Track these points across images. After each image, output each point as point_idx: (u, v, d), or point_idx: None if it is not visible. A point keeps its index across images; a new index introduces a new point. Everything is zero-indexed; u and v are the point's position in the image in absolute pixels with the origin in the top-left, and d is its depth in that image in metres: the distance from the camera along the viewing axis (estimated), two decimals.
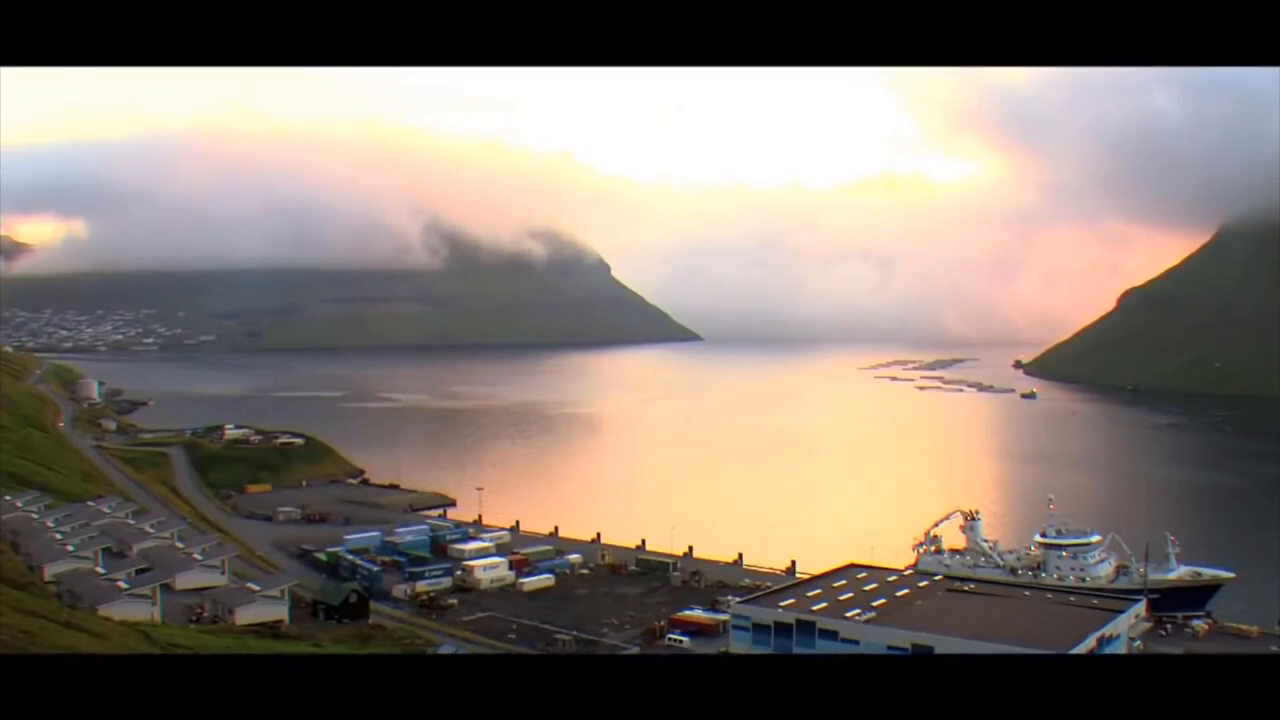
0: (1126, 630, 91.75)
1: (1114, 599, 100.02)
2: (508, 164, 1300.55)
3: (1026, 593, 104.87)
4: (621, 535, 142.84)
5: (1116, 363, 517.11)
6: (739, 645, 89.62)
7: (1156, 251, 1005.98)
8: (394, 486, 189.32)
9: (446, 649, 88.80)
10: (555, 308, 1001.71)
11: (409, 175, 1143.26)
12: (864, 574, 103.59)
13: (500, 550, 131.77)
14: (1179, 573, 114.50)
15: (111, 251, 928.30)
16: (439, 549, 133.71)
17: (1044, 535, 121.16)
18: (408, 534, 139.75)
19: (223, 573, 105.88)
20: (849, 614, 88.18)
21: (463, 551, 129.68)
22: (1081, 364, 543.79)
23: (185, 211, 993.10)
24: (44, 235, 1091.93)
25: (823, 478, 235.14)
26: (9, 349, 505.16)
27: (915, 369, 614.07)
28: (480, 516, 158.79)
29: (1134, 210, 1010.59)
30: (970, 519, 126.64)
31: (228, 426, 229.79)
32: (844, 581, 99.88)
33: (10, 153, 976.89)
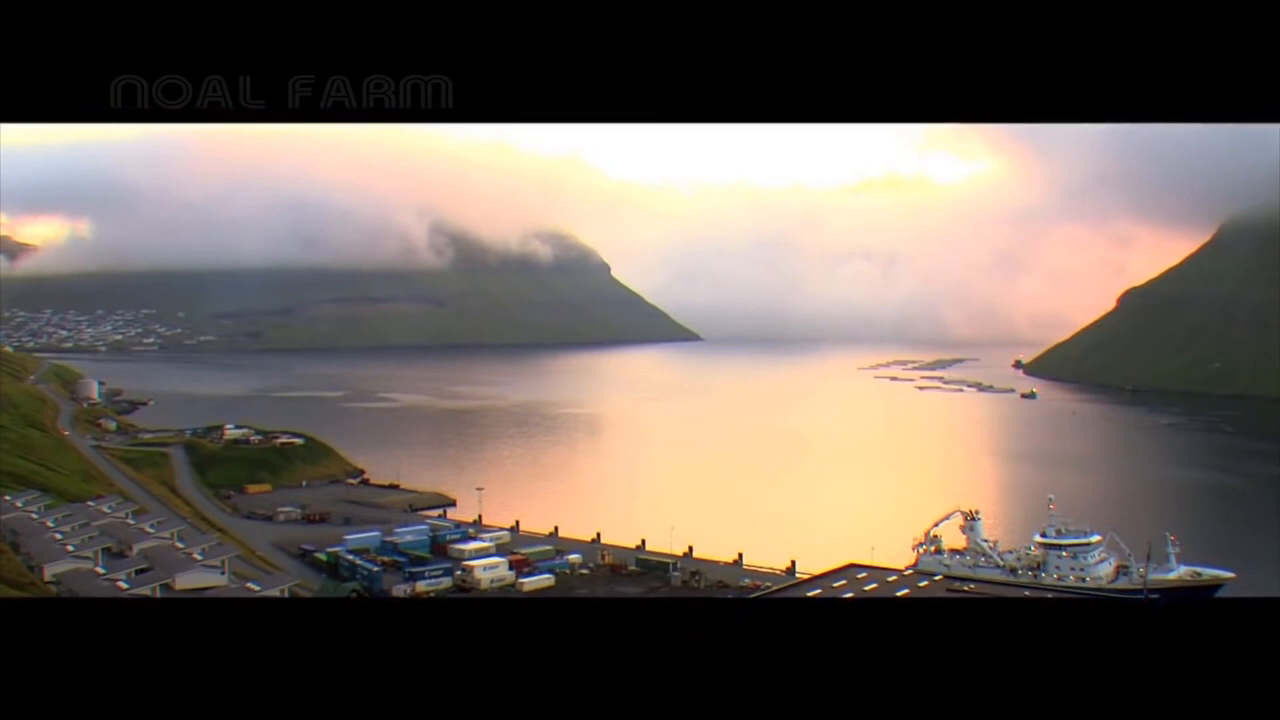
0: None
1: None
2: (513, 166, 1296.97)
3: (1026, 593, 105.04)
4: (621, 535, 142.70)
5: (1116, 363, 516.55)
6: None
7: (1161, 251, 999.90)
8: (394, 486, 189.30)
9: None
10: (556, 308, 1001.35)
11: (414, 176, 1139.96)
12: (864, 574, 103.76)
13: (500, 550, 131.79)
14: (1179, 573, 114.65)
15: (116, 252, 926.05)
16: (439, 549, 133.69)
17: (1044, 535, 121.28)
18: (408, 534, 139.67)
19: (223, 573, 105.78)
20: None
21: (463, 551, 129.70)
22: (1081, 364, 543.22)
23: (191, 211, 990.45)
24: (50, 235, 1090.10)
25: (823, 478, 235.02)
26: (9, 349, 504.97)
27: (915, 369, 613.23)
28: (480, 516, 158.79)
29: (1138, 210, 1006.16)
30: (970, 519, 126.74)
31: (228, 426, 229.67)
32: (844, 581, 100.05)
33: (15, 153, 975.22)
